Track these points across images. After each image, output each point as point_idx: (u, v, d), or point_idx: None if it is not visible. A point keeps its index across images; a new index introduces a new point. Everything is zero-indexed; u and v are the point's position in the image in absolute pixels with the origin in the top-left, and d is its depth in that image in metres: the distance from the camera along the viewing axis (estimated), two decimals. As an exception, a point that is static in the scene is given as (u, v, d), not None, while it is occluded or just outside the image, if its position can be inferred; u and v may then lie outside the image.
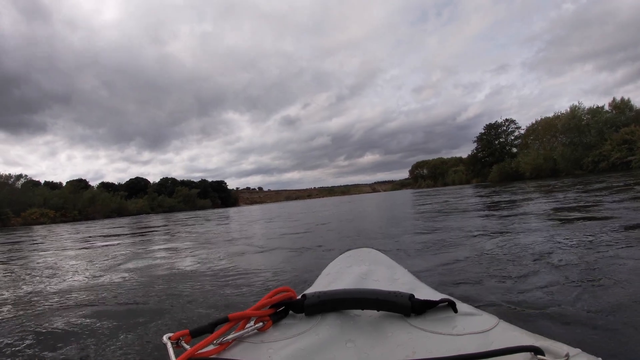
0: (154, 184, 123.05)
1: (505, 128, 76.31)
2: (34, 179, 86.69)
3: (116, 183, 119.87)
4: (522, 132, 71.97)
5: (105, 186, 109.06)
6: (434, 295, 0.96)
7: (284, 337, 0.80)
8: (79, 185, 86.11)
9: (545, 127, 61.61)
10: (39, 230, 25.48)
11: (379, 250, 1.65)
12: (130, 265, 5.57)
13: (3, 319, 3.05)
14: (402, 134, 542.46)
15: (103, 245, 9.35)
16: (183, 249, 7.04)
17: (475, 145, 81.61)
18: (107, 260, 6.34)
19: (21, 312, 3.21)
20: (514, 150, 71.85)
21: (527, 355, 0.61)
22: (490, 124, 78.48)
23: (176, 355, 0.67)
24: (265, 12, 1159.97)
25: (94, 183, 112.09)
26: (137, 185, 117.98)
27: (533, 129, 66.52)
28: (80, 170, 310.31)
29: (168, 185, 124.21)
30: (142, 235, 12.65)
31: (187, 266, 5.02)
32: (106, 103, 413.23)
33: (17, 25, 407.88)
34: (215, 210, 60.22)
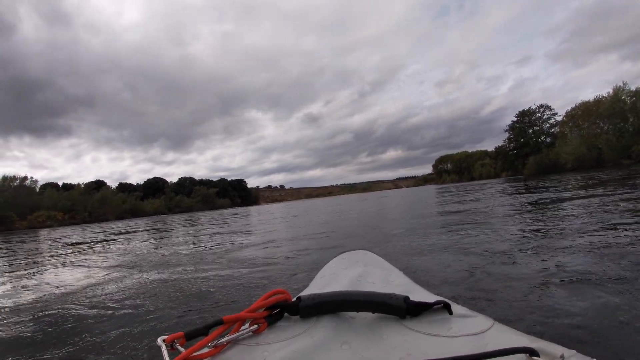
0: (172, 184, 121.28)
1: (540, 115, 69.11)
2: (61, 181, 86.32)
3: (135, 184, 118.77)
4: (559, 119, 65.29)
5: (123, 187, 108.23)
6: (429, 297, 0.95)
7: (279, 340, 0.80)
8: (91, 186, 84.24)
9: (584, 113, 55.34)
10: (32, 234, 25.53)
11: (374, 252, 1.62)
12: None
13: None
14: (424, 129, 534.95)
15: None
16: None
17: (506, 135, 74.89)
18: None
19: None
20: (549, 139, 65.42)
21: (522, 356, 0.62)
22: (523, 110, 71.29)
23: (170, 358, 0.67)
24: (286, 11, 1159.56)
25: (115, 184, 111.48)
26: (155, 186, 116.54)
27: (571, 115, 60.08)
28: (105, 172, 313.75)
29: (187, 185, 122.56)
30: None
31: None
32: (129, 105, 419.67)
33: (39, 31, 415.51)
34: (232, 210, 59.47)
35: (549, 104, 68.23)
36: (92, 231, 22.50)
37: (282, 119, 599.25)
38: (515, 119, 72.62)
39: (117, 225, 29.47)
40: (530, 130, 69.55)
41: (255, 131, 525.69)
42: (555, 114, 67.41)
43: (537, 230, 5.16)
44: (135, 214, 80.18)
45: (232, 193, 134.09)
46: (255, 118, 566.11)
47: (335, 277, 1.31)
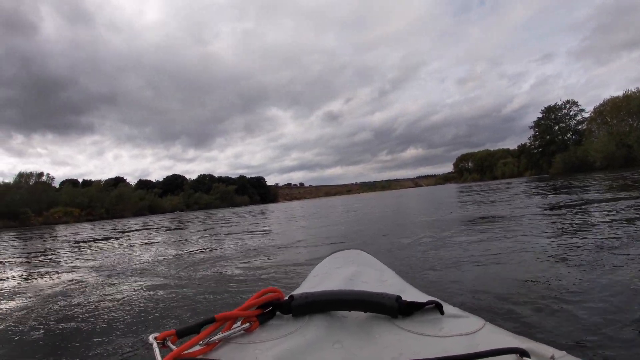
0: (191, 181, 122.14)
1: (566, 111, 66.27)
2: (83, 178, 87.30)
3: (155, 181, 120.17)
4: (586, 115, 62.29)
5: (142, 184, 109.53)
6: (421, 297, 0.95)
7: (271, 338, 0.80)
8: (110, 183, 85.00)
9: (613, 109, 52.80)
10: (43, 230, 26.17)
11: (367, 251, 1.64)
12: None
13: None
14: (445, 127, 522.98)
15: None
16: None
17: (529, 133, 72.50)
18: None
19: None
20: (576, 137, 62.68)
21: (513, 357, 0.62)
22: (549, 106, 68.61)
23: (162, 356, 0.67)
24: (306, 9, 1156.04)
25: (136, 181, 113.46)
26: (174, 183, 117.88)
27: (599, 111, 57.34)
28: (127, 169, 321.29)
29: (206, 182, 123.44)
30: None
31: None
32: (151, 103, 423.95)
33: (61, 30, 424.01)
34: (249, 207, 59.70)
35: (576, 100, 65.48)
36: (103, 228, 22.66)
37: (303, 116, 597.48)
38: (540, 116, 70.14)
39: (131, 223, 29.57)
40: (556, 127, 66.97)
41: (275, 129, 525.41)
42: (582, 110, 64.88)
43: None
44: (153, 210, 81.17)
45: (251, 190, 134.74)
46: (276, 116, 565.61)
47: (328, 276, 1.31)
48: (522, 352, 0.61)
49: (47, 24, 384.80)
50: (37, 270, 6.38)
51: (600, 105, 57.23)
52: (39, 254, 9.37)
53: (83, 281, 4.89)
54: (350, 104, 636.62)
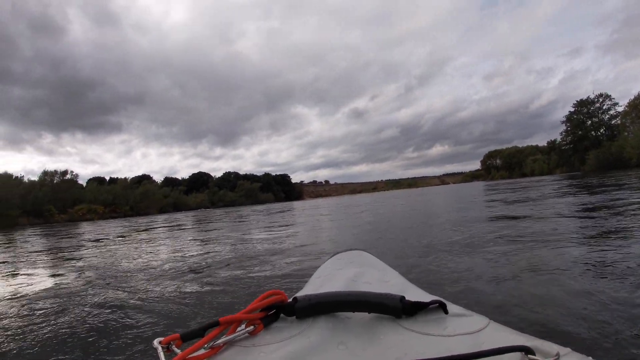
0: (216, 179, 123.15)
1: (599, 105, 63.57)
2: (111, 176, 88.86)
3: (180, 178, 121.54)
4: (621, 109, 59.56)
5: (168, 181, 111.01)
6: (425, 297, 0.95)
7: (275, 341, 0.80)
8: (135, 180, 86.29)
9: (650, 102, 50.31)
10: (67, 227, 26.88)
11: (370, 252, 1.63)
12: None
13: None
14: (473, 124, 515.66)
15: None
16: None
17: (560, 129, 69.97)
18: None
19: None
20: (609, 132, 60.01)
21: (518, 355, 0.62)
22: (581, 100, 65.85)
23: None
24: (331, 6, 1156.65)
25: (163, 179, 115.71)
26: (200, 180, 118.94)
27: (634, 105, 54.70)
28: (155, 167, 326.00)
29: (231, 179, 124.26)
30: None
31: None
32: (178, 102, 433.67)
33: (89, 32, 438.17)
34: (273, 205, 60.53)
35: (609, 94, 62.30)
36: (125, 225, 23.47)
37: (328, 114, 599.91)
38: (572, 110, 67.38)
39: (152, 220, 30.04)
40: (589, 122, 64.37)
41: (301, 127, 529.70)
42: (616, 104, 62.18)
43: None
44: (178, 207, 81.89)
45: (276, 188, 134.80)
46: (302, 114, 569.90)
47: (331, 277, 1.29)
48: (527, 350, 0.61)
49: (74, 27, 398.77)
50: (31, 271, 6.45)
51: (635, 98, 54.64)
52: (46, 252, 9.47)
53: (76, 284, 4.89)
54: (375, 101, 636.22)
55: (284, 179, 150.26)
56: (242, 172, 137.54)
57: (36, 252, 10.31)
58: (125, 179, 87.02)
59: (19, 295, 4.46)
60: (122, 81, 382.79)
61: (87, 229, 22.22)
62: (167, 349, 0.71)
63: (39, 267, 6.89)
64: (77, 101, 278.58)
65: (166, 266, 5.66)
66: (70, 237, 15.09)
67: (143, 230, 16.34)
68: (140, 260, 6.69)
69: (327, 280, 1.27)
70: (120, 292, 4.12)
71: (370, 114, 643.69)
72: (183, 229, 15.22)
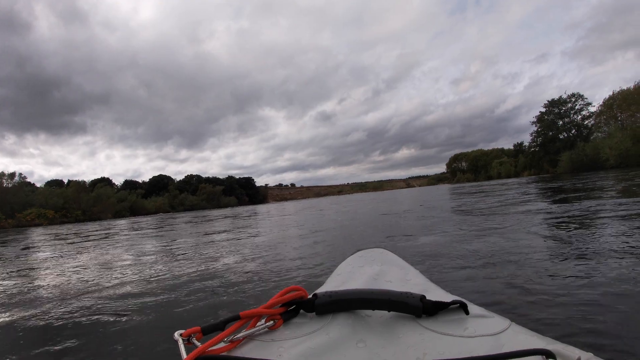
0: (177, 182, 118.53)
1: (571, 105, 62.75)
2: (76, 179, 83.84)
3: (141, 181, 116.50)
4: (594, 109, 58.93)
5: (128, 184, 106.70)
6: (446, 297, 0.96)
7: (295, 336, 0.81)
8: (94, 183, 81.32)
9: (623, 103, 49.68)
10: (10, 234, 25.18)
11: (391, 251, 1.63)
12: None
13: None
14: (439, 128, 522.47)
15: None
16: None
17: (530, 130, 69.51)
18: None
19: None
20: (580, 133, 59.28)
21: (539, 358, 0.61)
22: (552, 100, 64.94)
23: (187, 352, 0.68)
24: (303, 7, 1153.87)
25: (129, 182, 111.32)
26: (160, 183, 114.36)
27: (609, 104, 53.98)
28: (120, 169, 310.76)
29: (193, 182, 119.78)
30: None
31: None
32: (145, 102, 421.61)
33: (55, 29, 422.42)
34: (237, 208, 59.85)
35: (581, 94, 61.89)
36: (53, 233, 21.33)
37: (296, 117, 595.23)
38: (543, 110, 66.63)
39: (104, 225, 28.64)
40: (560, 122, 63.61)
41: (268, 129, 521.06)
42: (589, 104, 61.45)
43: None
44: (135, 212, 77.80)
45: (239, 191, 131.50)
46: (269, 116, 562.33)
47: (352, 275, 1.30)
48: (548, 354, 0.61)
49: (41, 23, 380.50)
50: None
51: (610, 97, 54.00)
52: None
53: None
54: (344, 104, 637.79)
55: (248, 182, 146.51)
56: (208, 175, 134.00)
57: None
58: (78, 181, 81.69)
59: None
60: (88, 80, 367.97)
61: (21, 237, 20.29)
62: (188, 341, 0.72)
63: None
64: (41, 100, 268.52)
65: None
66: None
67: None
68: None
69: (347, 277, 1.27)
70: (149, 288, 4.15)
71: (337, 117, 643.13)
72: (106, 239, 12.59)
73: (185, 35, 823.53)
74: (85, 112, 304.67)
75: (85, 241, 12.63)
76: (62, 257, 8.38)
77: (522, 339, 0.73)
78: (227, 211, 40.11)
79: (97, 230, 19.65)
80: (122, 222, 33.63)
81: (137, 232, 15.88)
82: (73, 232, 20.70)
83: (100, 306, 3.50)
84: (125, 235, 14.34)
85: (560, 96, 64.08)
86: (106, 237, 13.63)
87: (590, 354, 0.62)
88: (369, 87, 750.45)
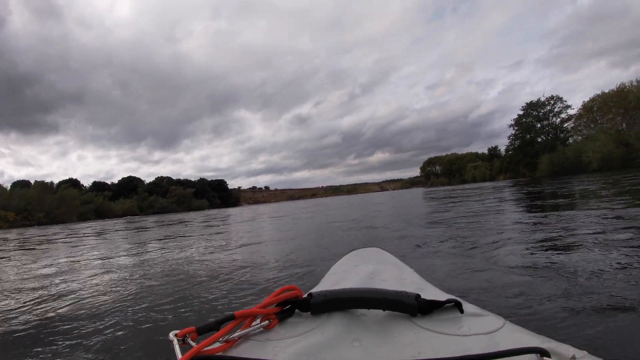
0: (147, 184, 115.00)
1: (550, 108, 62.41)
2: (45, 180, 79.64)
3: (110, 183, 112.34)
4: (574, 112, 58.73)
5: (97, 186, 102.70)
6: (441, 296, 0.97)
7: (290, 336, 0.81)
8: (63, 185, 77.51)
9: (604, 105, 49.74)
10: None
11: (387, 250, 1.65)
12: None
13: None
14: (414, 132, 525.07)
15: None
16: None
17: (506, 134, 69.34)
18: None
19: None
20: (559, 135, 59.35)
21: (533, 356, 0.62)
22: (531, 102, 64.57)
23: (182, 352, 0.68)
24: (282, 9, 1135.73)
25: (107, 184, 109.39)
26: (129, 185, 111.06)
27: (589, 107, 53.98)
28: (91, 171, 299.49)
29: (163, 184, 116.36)
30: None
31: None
32: (119, 102, 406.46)
33: (29, 25, 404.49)
34: (208, 211, 58.80)
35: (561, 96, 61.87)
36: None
37: (272, 119, 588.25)
38: (521, 112, 66.29)
39: (66, 229, 26.53)
40: (539, 125, 63.50)
41: (244, 131, 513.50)
42: (568, 106, 60.88)
43: None
44: (101, 214, 74.68)
45: (211, 194, 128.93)
46: (245, 118, 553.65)
47: (347, 274, 1.31)
48: (543, 352, 0.61)
49: (15, 18, 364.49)
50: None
51: (590, 100, 54.05)
52: None
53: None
54: (319, 107, 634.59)
55: (220, 184, 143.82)
56: (182, 177, 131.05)
57: None
58: (43, 182, 77.95)
59: None
60: (61, 77, 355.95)
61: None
62: (183, 341, 0.72)
63: None
64: (12, 98, 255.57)
65: None
66: None
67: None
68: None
69: (342, 276, 1.28)
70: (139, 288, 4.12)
71: (313, 120, 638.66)
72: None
73: (162, 34, 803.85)
74: (58, 111, 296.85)
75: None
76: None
77: (517, 337, 0.73)
78: (196, 214, 39.38)
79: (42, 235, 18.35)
80: (85, 225, 31.95)
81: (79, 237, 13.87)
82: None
83: (87, 309, 3.42)
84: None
85: (539, 98, 63.90)
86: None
87: (584, 352, 0.63)
88: (346, 91, 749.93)
